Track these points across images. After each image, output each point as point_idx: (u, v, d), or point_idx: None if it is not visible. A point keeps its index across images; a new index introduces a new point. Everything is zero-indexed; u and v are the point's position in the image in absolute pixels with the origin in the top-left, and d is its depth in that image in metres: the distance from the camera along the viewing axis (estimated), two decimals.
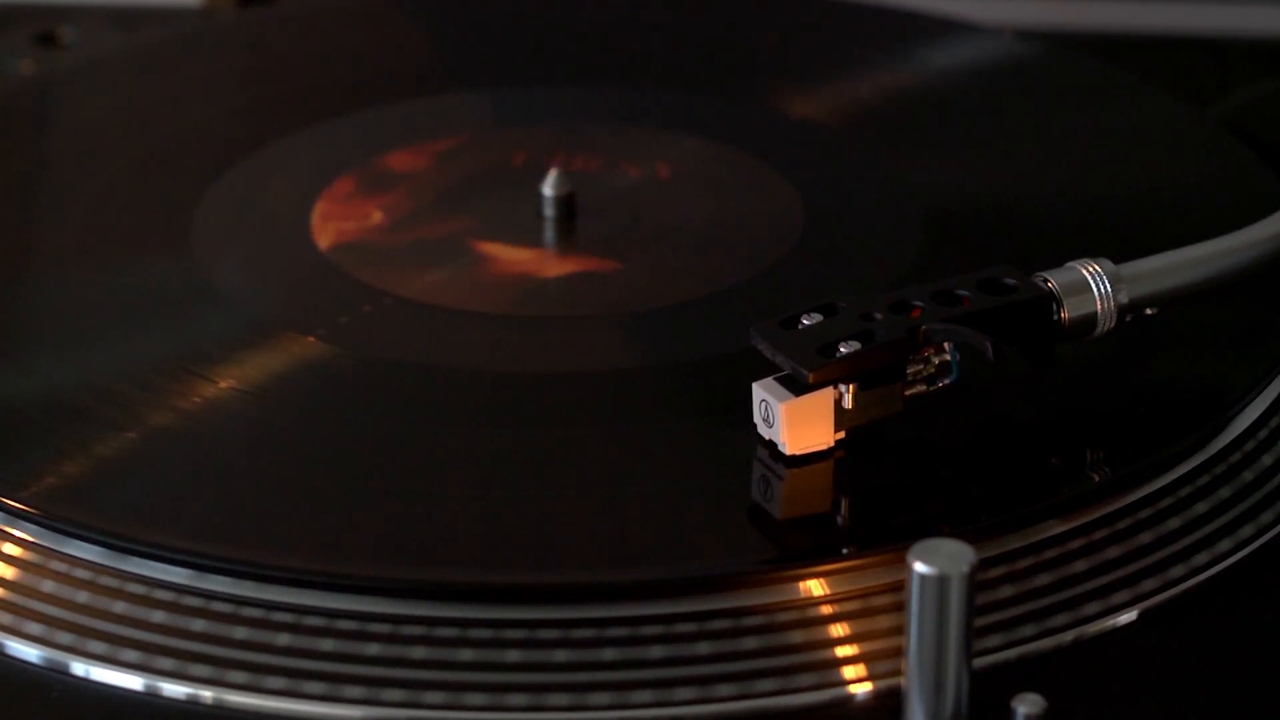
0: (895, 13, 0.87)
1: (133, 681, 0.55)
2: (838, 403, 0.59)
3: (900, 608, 0.54)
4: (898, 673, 0.54)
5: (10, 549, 0.58)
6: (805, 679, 0.54)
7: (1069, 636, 0.56)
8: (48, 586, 0.57)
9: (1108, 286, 0.60)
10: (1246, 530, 0.59)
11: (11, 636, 0.56)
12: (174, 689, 0.55)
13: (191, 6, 0.96)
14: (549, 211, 0.73)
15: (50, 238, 0.73)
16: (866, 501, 0.59)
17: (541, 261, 0.72)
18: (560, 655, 0.54)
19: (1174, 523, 0.59)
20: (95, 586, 0.57)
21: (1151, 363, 0.64)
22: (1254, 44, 0.91)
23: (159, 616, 0.56)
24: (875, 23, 0.87)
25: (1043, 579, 0.57)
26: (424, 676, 0.54)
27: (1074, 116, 0.80)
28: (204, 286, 0.69)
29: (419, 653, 0.54)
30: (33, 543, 0.58)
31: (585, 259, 0.72)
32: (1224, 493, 0.60)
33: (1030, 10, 0.93)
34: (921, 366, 0.59)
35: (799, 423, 0.58)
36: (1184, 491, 0.59)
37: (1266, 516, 0.60)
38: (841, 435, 0.59)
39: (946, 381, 0.60)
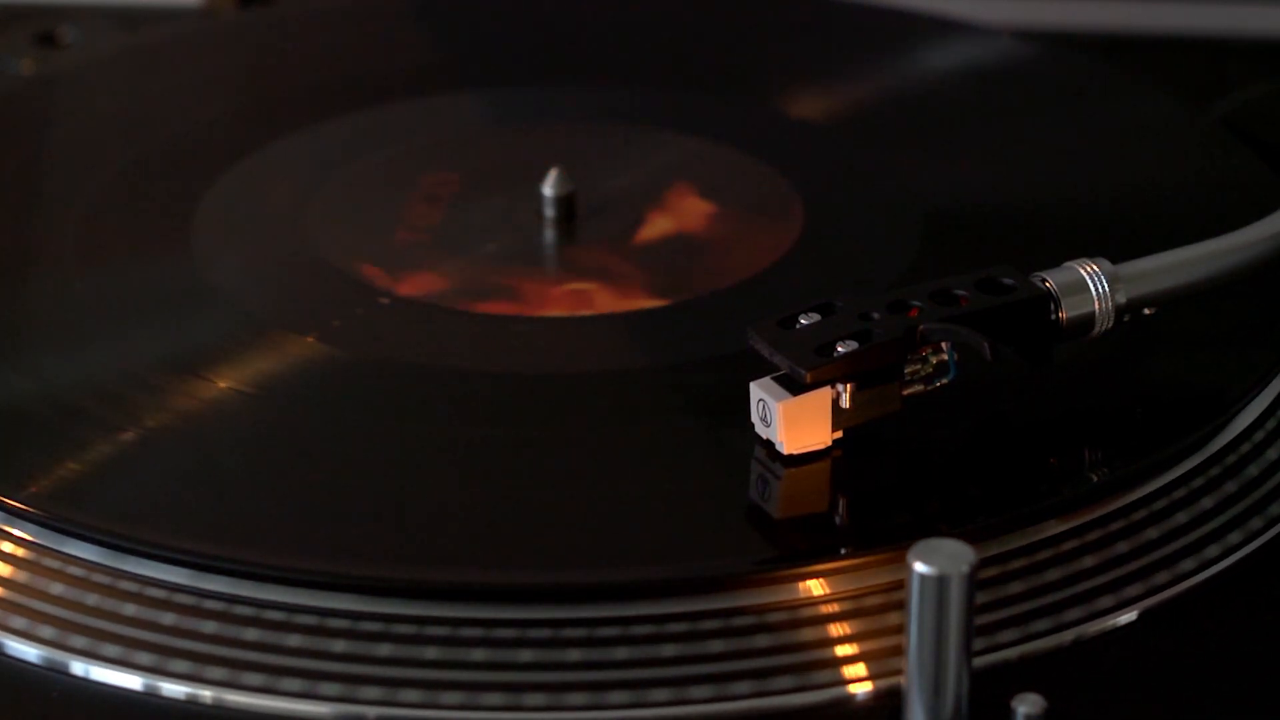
0: (895, 13, 0.87)
1: (132, 681, 0.55)
2: (835, 402, 0.59)
3: (899, 607, 0.54)
4: (898, 673, 0.54)
5: (9, 548, 0.58)
6: (804, 679, 0.54)
7: (1069, 636, 0.56)
8: (47, 586, 0.57)
9: (1105, 286, 0.60)
10: (1246, 530, 0.59)
11: (11, 636, 0.56)
12: (173, 688, 0.55)
13: (191, 6, 0.96)
14: (549, 211, 0.73)
15: (50, 238, 0.73)
16: (865, 501, 0.59)
17: (541, 261, 0.72)
18: (554, 655, 0.54)
19: (1173, 522, 0.59)
20: (94, 586, 0.57)
21: (1150, 363, 0.64)
22: (1254, 44, 0.91)
23: (158, 616, 0.56)
24: (875, 23, 0.87)
25: (1042, 579, 0.57)
26: (432, 676, 0.54)
27: (1074, 116, 0.80)
28: (204, 286, 0.69)
29: (423, 653, 0.54)
30: (32, 542, 0.58)
31: (585, 259, 0.72)
32: (1223, 492, 0.60)
33: (1030, 10, 0.93)
34: (919, 366, 0.59)
35: (797, 422, 0.58)
36: (1183, 491, 0.59)
37: (1266, 516, 0.60)
38: (839, 435, 0.59)
39: (944, 381, 0.60)
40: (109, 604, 0.56)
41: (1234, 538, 0.59)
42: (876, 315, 0.59)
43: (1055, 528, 0.58)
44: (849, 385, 0.58)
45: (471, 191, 0.76)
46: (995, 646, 0.55)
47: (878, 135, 0.79)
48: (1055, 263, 0.61)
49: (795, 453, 0.59)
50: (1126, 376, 0.63)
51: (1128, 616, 0.57)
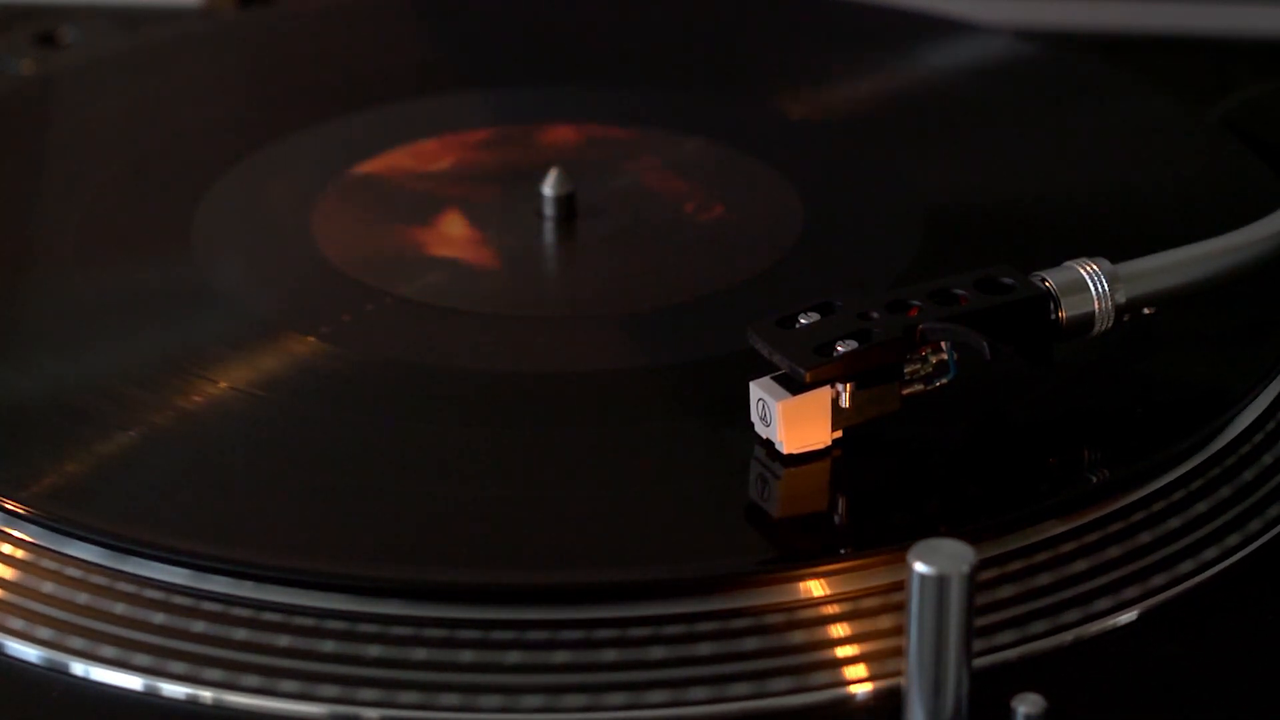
0: (895, 13, 0.87)
1: (132, 681, 0.55)
2: (835, 402, 0.59)
3: (899, 607, 0.54)
4: (898, 673, 0.54)
5: (9, 549, 0.58)
6: (804, 679, 0.54)
7: (1069, 636, 0.56)
8: (47, 587, 0.57)
9: (1105, 286, 0.60)
10: (1246, 530, 0.59)
11: (11, 636, 0.56)
12: (173, 689, 0.55)
13: (191, 6, 0.96)
14: (549, 211, 0.73)
15: (50, 238, 0.73)
16: (864, 501, 0.59)
17: (541, 261, 0.72)
18: (554, 656, 0.54)
19: (1173, 523, 0.59)
20: (95, 587, 0.57)
21: (1150, 363, 0.64)
22: (1254, 44, 0.91)
23: (158, 616, 0.56)
24: (875, 23, 0.87)
25: (1042, 579, 0.57)
26: (437, 678, 0.54)
27: (1074, 116, 0.80)
28: (204, 286, 0.69)
29: (422, 653, 0.55)
30: (32, 543, 0.58)
31: (585, 259, 0.72)
32: (1223, 493, 0.60)
33: (1030, 10, 0.93)
34: (919, 366, 0.59)
35: (796, 422, 0.58)
36: (1183, 492, 0.59)
37: (1265, 517, 0.60)
38: (839, 434, 0.59)
39: (944, 381, 0.60)
40: (109, 605, 0.56)
41: (1234, 538, 0.59)
42: (876, 315, 0.59)
43: (1055, 528, 0.58)
44: (848, 385, 0.58)
45: (471, 191, 0.76)
46: (995, 647, 0.55)
47: (878, 135, 0.79)
48: (1055, 262, 0.61)
49: (795, 452, 0.59)
50: (1126, 376, 0.63)
51: (1127, 617, 0.57)
